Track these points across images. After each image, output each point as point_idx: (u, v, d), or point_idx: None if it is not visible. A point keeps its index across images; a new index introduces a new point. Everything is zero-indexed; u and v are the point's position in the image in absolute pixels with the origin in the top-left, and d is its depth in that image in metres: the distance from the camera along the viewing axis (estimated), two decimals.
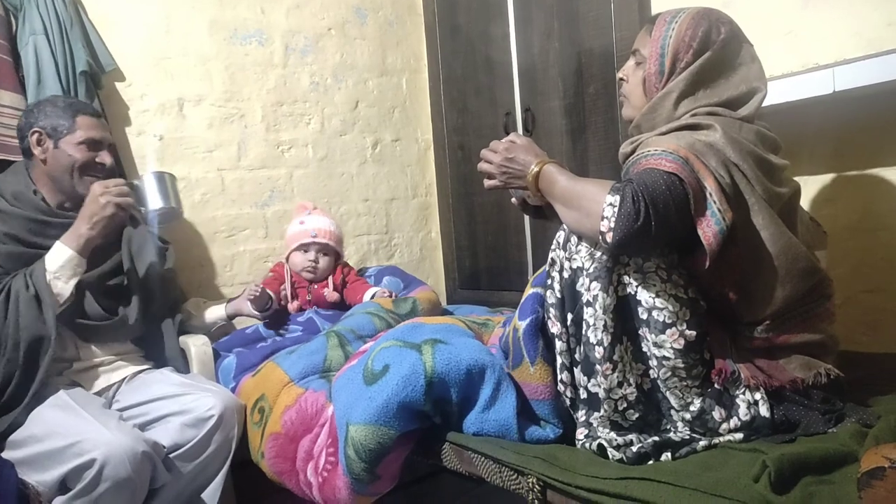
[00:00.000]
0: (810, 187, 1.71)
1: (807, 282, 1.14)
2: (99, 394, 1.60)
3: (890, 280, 1.60)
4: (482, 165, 1.32)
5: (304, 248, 2.03)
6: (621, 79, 1.34)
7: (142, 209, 1.61)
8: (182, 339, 1.81)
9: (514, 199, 1.43)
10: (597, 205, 1.07)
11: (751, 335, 1.15)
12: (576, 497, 1.04)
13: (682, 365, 1.11)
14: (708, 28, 1.21)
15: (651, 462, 1.08)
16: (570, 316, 1.18)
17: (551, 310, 1.20)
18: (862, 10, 1.55)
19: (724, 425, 1.13)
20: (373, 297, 1.97)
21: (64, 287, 1.51)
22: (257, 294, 1.84)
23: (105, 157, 1.66)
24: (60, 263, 1.51)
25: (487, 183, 1.33)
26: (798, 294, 1.13)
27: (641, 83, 1.28)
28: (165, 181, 1.65)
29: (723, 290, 1.13)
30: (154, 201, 1.61)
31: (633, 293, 1.13)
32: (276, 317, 1.93)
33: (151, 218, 1.63)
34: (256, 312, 1.87)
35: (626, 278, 1.13)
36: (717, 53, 1.20)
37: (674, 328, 1.10)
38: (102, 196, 1.52)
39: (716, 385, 1.12)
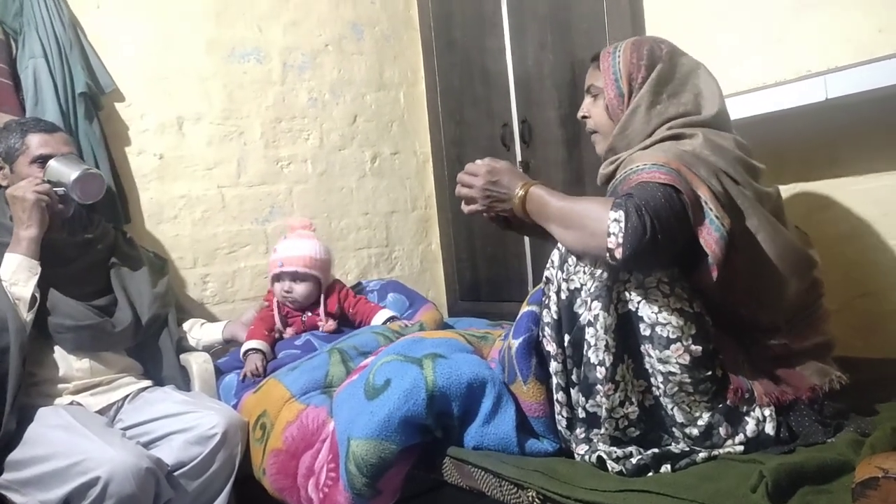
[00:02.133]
0: (803, 194, 1.71)
1: (807, 276, 1.16)
2: (101, 413, 1.61)
3: (884, 285, 1.60)
4: (461, 190, 1.31)
5: (276, 277, 1.96)
6: (584, 117, 1.37)
7: (63, 192, 1.59)
8: (183, 356, 1.82)
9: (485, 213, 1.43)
10: (600, 223, 1.05)
11: (769, 344, 1.15)
12: None
13: (688, 380, 1.10)
14: (651, 47, 1.27)
15: (650, 474, 1.08)
16: (567, 337, 1.17)
17: (546, 329, 1.20)
18: (853, 17, 1.56)
19: (729, 441, 1.12)
20: (385, 322, 1.94)
21: (23, 290, 1.51)
22: (258, 372, 1.78)
23: None
24: (13, 269, 1.51)
25: (468, 208, 1.33)
26: (802, 289, 1.15)
27: (605, 111, 1.32)
28: (67, 158, 1.63)
29: (734, 300, 1.13)
30: (71, 175, 1.59)
31: (634, 310, 1.12)
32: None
33: (78, 192, 1.60)
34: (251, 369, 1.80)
35: (626, 295, 1.12)
36: (667, 64, 1.26)
37: (678, 343, 1.09)
38: (17, 191, 1.54)
39: (728, 402, 1.12)
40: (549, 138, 2.32)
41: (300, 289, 1.96)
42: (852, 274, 1.62)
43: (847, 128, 1.61)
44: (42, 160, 1.61)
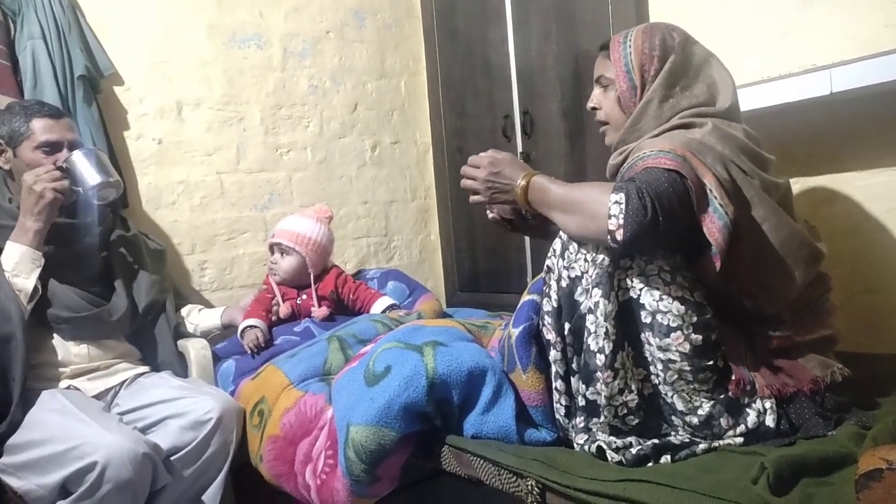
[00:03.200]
0: (808, 189, 1.71)
1: (813, 267, 1.16)
2: (98, 398, 1.60)
3: (889, 281, 1.60)
4: (466, 182, 1.32)
5: (270, 248, 2.03)
6: (593, 108, 1.36)
7: (80, 189, 1.57)
8: (181, 342, 1.82)
9: (490, 214, 1.44)
10: (601, 206, 1.06)
11: (773, 335, 1.15)
12: (574, 499, 1.04)
13: (688, 368, 1.10)
14: (662, 36, 1.25)
15: (650, 464, 1.08)
16: (567, 325, 1.17)
17: (546, 318, 1.20)
18: (859, 11, 1.55)
19: (730, 432, 1.13)
20: (385, 311, 1.96)
21: (25, 282, 1.49)
22: (258, 345, 1.80)
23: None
24: (16, 260, 1.49)
25: (473, 198, 1.34)
26: (808, 281, 1.15)
27: (617, 103, 1.30)
28: (96, 156, 1.60)
29: (737, 290, 1.13)
30: (91, 178, 1.56)
31: (635, 297, 1.12)
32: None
33: (92, 196, 1.58)
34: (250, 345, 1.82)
35: (628, 282, 1.12)
36: (680, 55, 1.24)
37: (679, 332, 1.09)
38: (36, 184, 1.50)
39: (730, 394, 1.12)
40: (552, 130, 2.30)
41: (284, 263, 1.98)
42: (857, 269, 1.62)
43: (852, 122, 1.61)
44: (47, 146, 1.59)
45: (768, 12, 1.70)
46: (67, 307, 1.57)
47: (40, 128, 1.60)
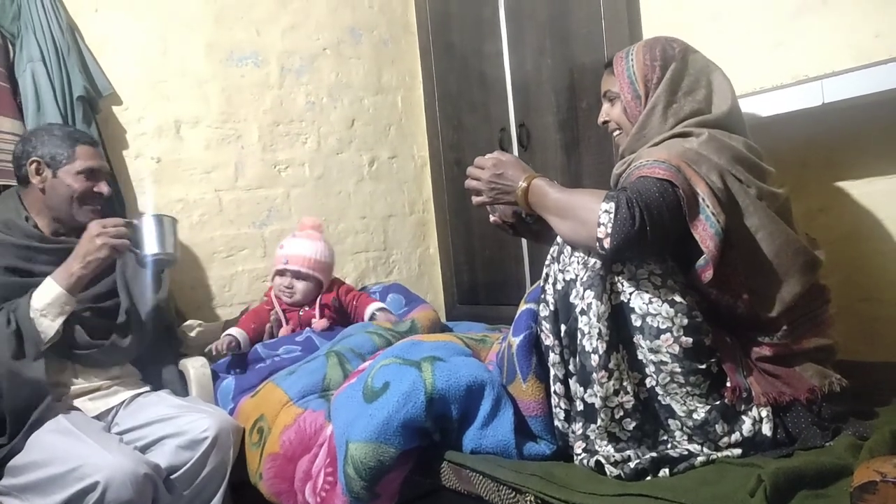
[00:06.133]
0: (802, 198, 1.71)
1: (810, 275, 1.17)
2: (98, 418, 1.60)
3: (885, 289, 1.61)
4: (470, 182, 1.35)
5: (279, 273, 2.04)
6: (605, 122, 1.41)
7: (137, 251, 1.57)
8: (181, 361, 1.81)
9: (492, 218, 1.46)
10: (592, 213, 1.09)
11: (770, 342, 1.16)
12: None
13: (679, 370, 1.12)
14: (663, 47, 1.30)
15: (649, 478, 1.09)
16: (563, 328, 1.19)
17: (544, 322, 1.22)
18: (850, 22, 1.57)
19: (725, 439, 1.13)
20: (372, 315, 2.01)
21: (50, 325, 1.49)
22: (221, 348, 1.83)
23: (103, 187, 1.67)
24: (48, 301, 1.49)
25: (476, 199, 1.36)
26: (805, 288, 1.16)
27: (624, 114, 1.35)
28: (164, 226, 1.58)
29: (733, 295, 1.15)
30: (150, 246, 1.56)
31: (626, 301, 1.14)
32: (239, 360, 1.89)
33: (146, 262, 1.59)
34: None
35: (619, 286, 1.15)
36: (681, 63, 1.29)
37: (668, 334, 1.12)
38: (99, 237, 1.51)
39: (726, 401, 1.13)
40: (548, 143, 2.32)
41: (301, 286, 2.01)
42: (853, 278, 1.63)
43: (844, 132, 1.62)
44: (89, 172, 1.63)
45: (760, 24, 1.71)
46: (78, 342, 1.57)
47: (84, 154, 1.64)
